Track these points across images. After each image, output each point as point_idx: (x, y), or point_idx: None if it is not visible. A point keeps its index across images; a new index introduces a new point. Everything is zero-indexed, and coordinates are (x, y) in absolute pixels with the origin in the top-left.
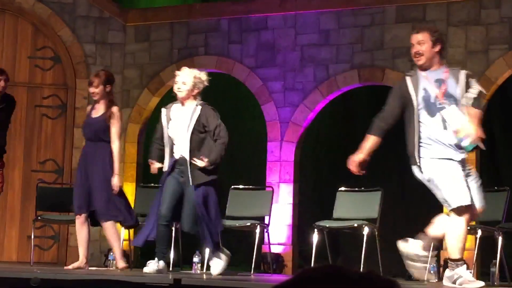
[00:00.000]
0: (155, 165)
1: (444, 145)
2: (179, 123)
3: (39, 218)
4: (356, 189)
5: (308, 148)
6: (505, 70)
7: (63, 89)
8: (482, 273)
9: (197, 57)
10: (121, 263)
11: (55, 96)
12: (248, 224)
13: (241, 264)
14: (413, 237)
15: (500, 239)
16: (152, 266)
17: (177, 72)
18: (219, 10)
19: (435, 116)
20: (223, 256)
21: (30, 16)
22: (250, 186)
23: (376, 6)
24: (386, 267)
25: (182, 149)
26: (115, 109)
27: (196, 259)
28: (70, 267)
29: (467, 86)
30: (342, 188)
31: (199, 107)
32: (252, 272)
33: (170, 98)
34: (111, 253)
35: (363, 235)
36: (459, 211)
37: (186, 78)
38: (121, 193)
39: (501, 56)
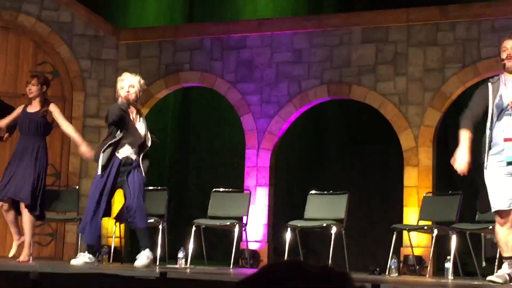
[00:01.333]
0: None
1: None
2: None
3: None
4: (325, 192)
5: (282, 155)
6: (458, 86)
7: (61, 101)
8: (438, 269)
9: (183, 72)
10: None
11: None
12: (228, 223)
13: (221, 259)
14: (375, 235)
15: (454, 237)
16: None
17: (121, 77)
18: (202, 30)
19: (501, 120)
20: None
21: (31, 34)
22: (230, 189)
23: (343, 27)
24: (352, 262)
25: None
26: (52, 105)
27: (180, 254)
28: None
29: None
30: (313, 192)
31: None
32: (231, 266)
33: (158, 110)
34: (104, 249)
35: (331, 233)
36: (496, 214)
37: (134, 82)
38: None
39: (455, 73)
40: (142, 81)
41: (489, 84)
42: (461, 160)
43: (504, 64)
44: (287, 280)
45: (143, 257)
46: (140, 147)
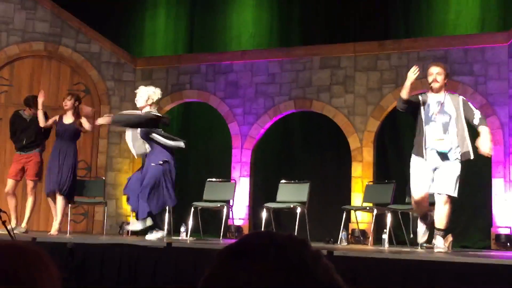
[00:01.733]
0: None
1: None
2: None
3: (74, 201)
4: (292, 181)
5: (260, 153)
6: (392, 101)
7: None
8: (376, 239)
9: (184, 91)
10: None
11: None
12: (218, 205)
13: (214, 233)
14: (330, 214)
15: (389, 215)
16: (154, 235)
17: (137, 91)
18: (199, 59)
19: (429, 125)
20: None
21: (69, 61)
22: (220, 179)
23: (306, 57)
24: (312, 234)
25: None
26: (83, 118)
27: (182, 229)
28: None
29: (466, 108)
30: (283, 181)
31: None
32: (221, 238)
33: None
34: (124, 225)
35: (297, 213)
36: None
37: (144, 94)
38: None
39: (390, 92)
40: (149, 89)
41: (419, 96)
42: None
43: (431, 86)
44: (260, 245)
45: (154, 234)
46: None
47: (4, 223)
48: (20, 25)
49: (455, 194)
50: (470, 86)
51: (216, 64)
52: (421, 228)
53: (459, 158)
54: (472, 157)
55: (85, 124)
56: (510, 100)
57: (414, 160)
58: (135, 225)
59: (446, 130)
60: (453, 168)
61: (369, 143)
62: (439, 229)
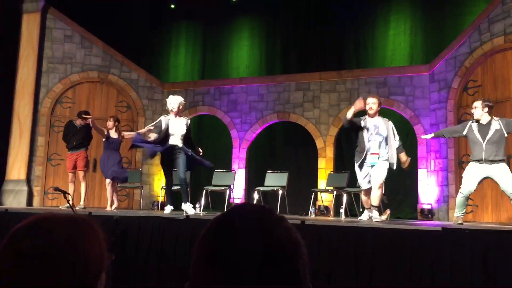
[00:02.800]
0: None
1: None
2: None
3: (119, 185)
4: (275, 171)
5: (252, 152)
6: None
7: (131, 122)
8: (336, 213)
9: (198, 106)
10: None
11: (128, 125)
12: (223, 188)
13: (220, 208)
14: (303, 195)
15: (344, 196)
16: (168, 209)
17: (168, 100)
18: (209, 84)
19: (370, 141)
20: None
21: (115, 85)
22: (224, 170)
23: (285, 82)
24: (290, 210)
25: (177, 141)
26: (123, 133)
27: (197, 205)
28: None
29: (393, 131)
30: (269, 171)
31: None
32: None
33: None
34: (155, 203)
35: (279, 194)
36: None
37: (176, 102)
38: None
39: (345, 107)
40: (181, 100)
41: (362, 121)
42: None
43: (368, 113)
44: (237, 214)
45: (190, 208)
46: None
47: (68, 201)
48: (80, 59)
49: (382, 181)
50: (402, 103)
51: (221, 87)
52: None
53: (388, 160)
54: (394, 167)
55: (127, 135)
56: (431, 113)
57: (357, 167)
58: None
59: (379, 146)
60: (383, 166)
61: (331, 144)
62: (375, 206)
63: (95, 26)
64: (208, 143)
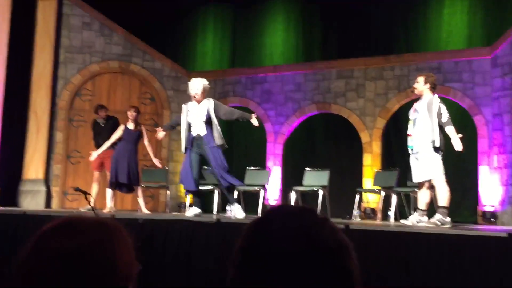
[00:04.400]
0: (160, 132)
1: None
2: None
3: (143, 185)
4: (315, 169)
5: (289, 147)
6: (396, 104)
7: (156, 115)
8: (384, 215)
9: (228, 97)
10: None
11: (152, 119)
12: (257, 188)
13: (253, 211)
14: (346, 195)
15: (394, 196)
16: (192, 211)
17: (190, 83)
18: (240, 72)
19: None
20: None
21: (138, 76)
22: (258, 168)
23: (325, 69)
24: (332, 212)
25: (199, 130)
26: (143, 127)
27: (228, 208)
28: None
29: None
30: (308, 169)
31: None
32: (258, 215)
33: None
34: (182, 204)
35: (319, 195)
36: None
37: (198, 86)
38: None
39: (394, 96)
40: (204, 83)
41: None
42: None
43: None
44: (277, 216)
45: (239, 210)
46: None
47: (90, 203)
48: (100, 48)
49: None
50: (460, 91)
51: (253, 76)
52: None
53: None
54: (437, 144)
55: (145, 137)
56: (493, 102)
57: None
58: (239, 212)
59: (414, 124)
60: (427, 157)
61: (377, 138)
62: (421, 210)
63: (115, 12)
64: (239, 138)
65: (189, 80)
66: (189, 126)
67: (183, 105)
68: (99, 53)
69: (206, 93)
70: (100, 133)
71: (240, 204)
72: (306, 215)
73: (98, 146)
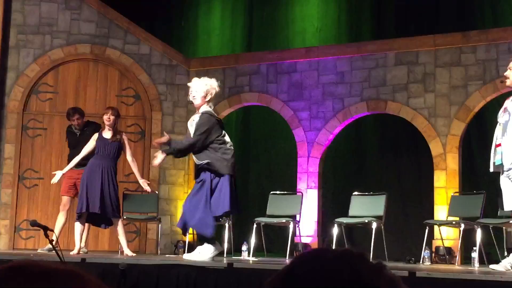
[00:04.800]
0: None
1: None
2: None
3: (124, 217)
4: (366, 193)
5: (329, 162)
6: (480, 100)
7: (142, 119)
8: (465, 258)
9: (243, 93)
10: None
11: (136, 124)
12: (284, 220)
13: (278, 251)
14: (410, 230)
15: (478, 231)
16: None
17: (190, 84)
18: (259, 58)
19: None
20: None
21: (117, 64)
22: (285, 192)
23: (379, 52)
24: (390, 253)
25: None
26: (124, 135)
27: (244, 248)
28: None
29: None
30: (356, 193)
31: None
32: (287, 257)
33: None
34: (180, 244)
35: (372, 229)
36: None
37: (198, 87)
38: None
39: (477, 89)
40: (209, 83)
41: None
42: None
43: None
44: (310, 265)
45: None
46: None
47: (52, 242)
48: (64, 27)
49: None
50: None
51: (277, 64)
52: None
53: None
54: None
55: (127, 150)
56: None
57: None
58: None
59: (503, 132)
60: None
61: (454, 148)
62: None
63: None
64: (258, 150)
65: (189, 69)
66: None
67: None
68: (63, 34)
69: (211, 99)
70: (75, 146)
71: (262, 241)
72: (353, 262)
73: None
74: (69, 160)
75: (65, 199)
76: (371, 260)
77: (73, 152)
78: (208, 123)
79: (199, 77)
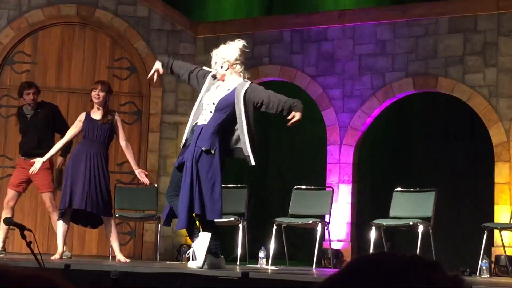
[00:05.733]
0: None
1: None
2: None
3: (117, 216)
4: (411, 189)
5: (366, 151)
6: None
7: (138, 97)
8: None
9: (262, 66)
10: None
11: (131, 103)
12: (310, 222)
13: (303, 259)
14: (465, 235)
15: None
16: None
17: (213, 52)
18: (282, 22)
19: None
20: None
21: (108, 29)
22: (312, 187)
23: (429, 17)
24: (442, 262)
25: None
26: (117, 116)
27: (261, 254)
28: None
29: None
30: (398, 188)
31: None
32: (313, 266)
33: None
34: (184, 248)
35: (418, 233)
36: None
37: (223, 56)
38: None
39: None
40: (234, 50)
41: None
42: None
43: None
44: (374, 270)
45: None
46: None
47: (30, 245)
48: None
49: None
50: None
51: (304, 30)
52: None
53: None
54: None
55: (120, 133)
56: None
57: None
58: None
59: None
60: None
61: None
62: None
63: None
64: (280, 136)
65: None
66: (198, 108)
67: (209, 76)
68: None
69: (241, 67)
70: (26, 130)
71: (283, 246)
72: (428, 273)
73: (24, 150)
74: (21, 150)
75: (11, 193)
76: (446, 271)
77: (24, 140)
78: None
79: (209, 45)
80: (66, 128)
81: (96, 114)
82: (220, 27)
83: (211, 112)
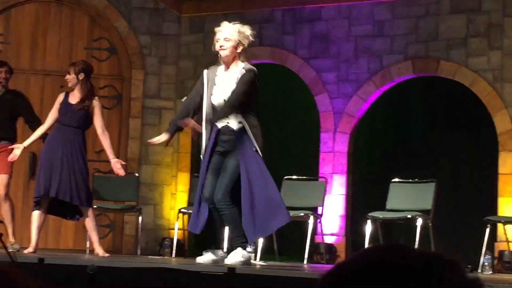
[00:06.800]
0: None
1: None
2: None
3: (95, 206)
4: (410, 180)
5: (361, 139)
6: None
7: (118, 80)
8: None
9: (252, 48)
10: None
11: (111, 86)
12: (301, 214)
13: (294, 254)
14: (466, 229)
15: None
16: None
17: (217, 28)
18: (273, 1)
19: None
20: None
21: (86, 7)
22: (303, 177)
23: None
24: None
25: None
26: (96, 101)
27: (249, 249)
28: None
29: None
30: (396, 179)
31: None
32: (305, 262)
33: None
34: (166, 242)
35: (417, 226)
36: None
37: (229, 34)
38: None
39: None
40: (243, 29)
41: None
42: None
43: None
44: (386, 265)
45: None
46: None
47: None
48: None
49: None
50: None
51: (296, 9)
52: None
53: None
54: None
55: (97, 120)
56: None
57: None
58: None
59: None
60: None
61: None
62: None
63: None
64: (270, 123)
65: (180, 15)
66: (212, 109)
67: (204, 71)
68: None
69: (244, 50)
70: None
71: (273, 241)
72: (445, 270)
73: None
74: None
75: (2, 178)
76: (464, 272)
77: None
78: None
79: (194, 25)
80: (28, 114)
81: (74, 98)
82: (207, 5)
83: None
